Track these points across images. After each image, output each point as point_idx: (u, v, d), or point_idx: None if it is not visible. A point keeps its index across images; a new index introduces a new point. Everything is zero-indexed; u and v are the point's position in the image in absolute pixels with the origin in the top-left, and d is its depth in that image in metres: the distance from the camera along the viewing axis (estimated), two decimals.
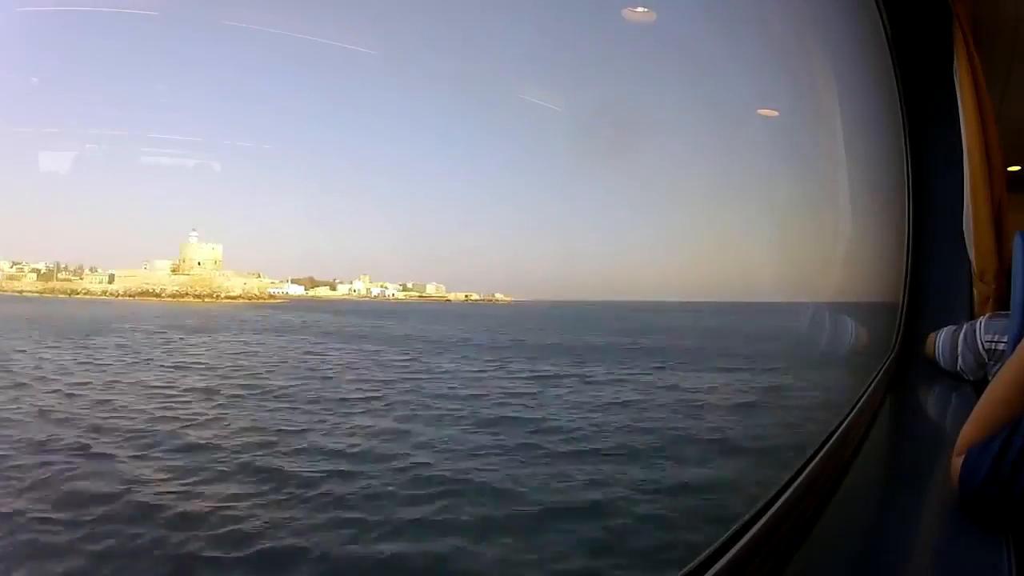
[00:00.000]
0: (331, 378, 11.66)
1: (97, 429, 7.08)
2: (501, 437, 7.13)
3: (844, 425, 1.00)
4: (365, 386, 10.64)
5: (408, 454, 6.29)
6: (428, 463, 5.99)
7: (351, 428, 7.56)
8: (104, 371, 11.15)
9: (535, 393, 10.40)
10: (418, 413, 8.56)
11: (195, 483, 5.30)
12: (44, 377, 10.27)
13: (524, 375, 12.65)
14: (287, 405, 8.90)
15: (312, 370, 12.42)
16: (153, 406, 8.44)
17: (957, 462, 0.73)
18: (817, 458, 0.80)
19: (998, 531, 0.66)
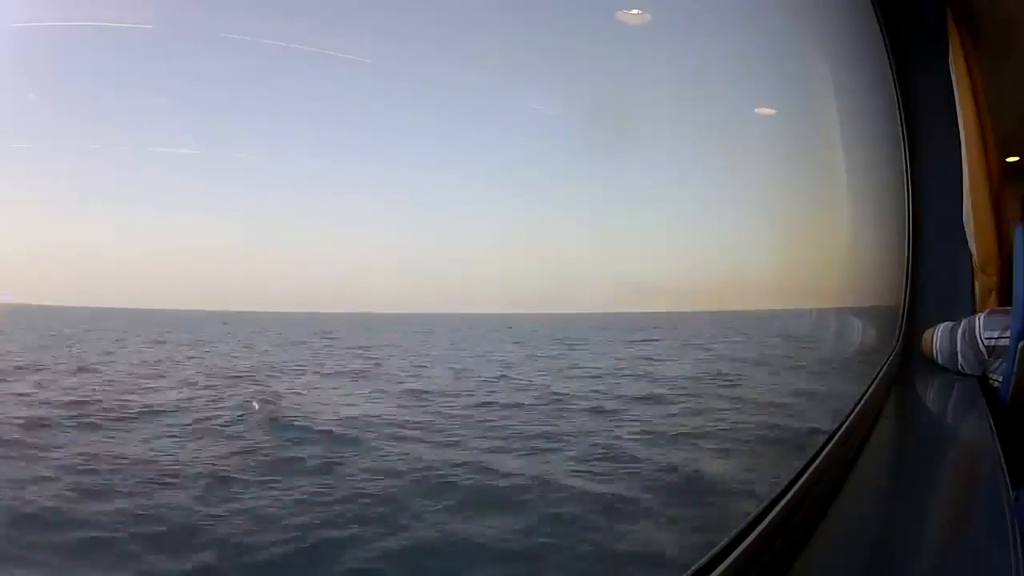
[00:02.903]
0: None
1: None
2: None
3: (847, 423, 1.00)
4: None
5: None
6: None
7: None
8: None
9: None
10: None
11: None
12: None
13: None
14: None
15: None
16: None
17: None
18: (821, 456, 0.80)
19: (1006, 527, 0.66)
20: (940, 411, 1.59)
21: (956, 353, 1.65)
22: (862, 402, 1.15)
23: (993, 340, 1.56)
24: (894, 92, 2.15)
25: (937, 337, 1.74)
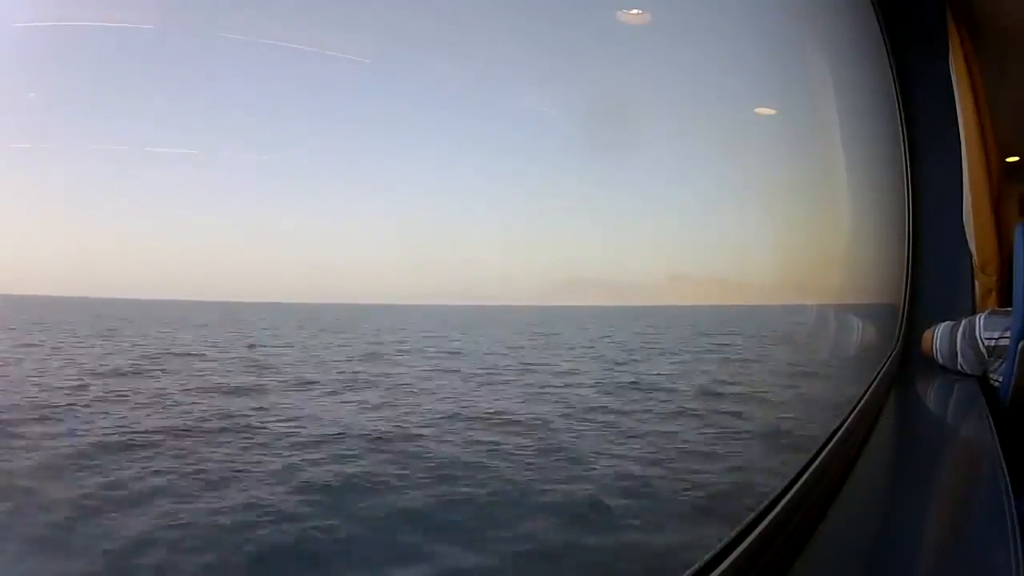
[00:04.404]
0: None
1: None
2: None
3: (847, 423, 1.00)
4: None
5: None
6: None
7: None
8: None
9: None
10: None
11: None
12: None
13: None
14: None
15: None
16: None
17: None
18: (821, 456, 0.80)
19: (1006, 527, 0.66)
20: (940, 411, 1.59)
21: (956, 353, 1.65)
22: (862, 402, 1.15)
23: (993, 340, 1.56)
24: (894, 92, 2.15)
25: (937, 337, 1.74)
